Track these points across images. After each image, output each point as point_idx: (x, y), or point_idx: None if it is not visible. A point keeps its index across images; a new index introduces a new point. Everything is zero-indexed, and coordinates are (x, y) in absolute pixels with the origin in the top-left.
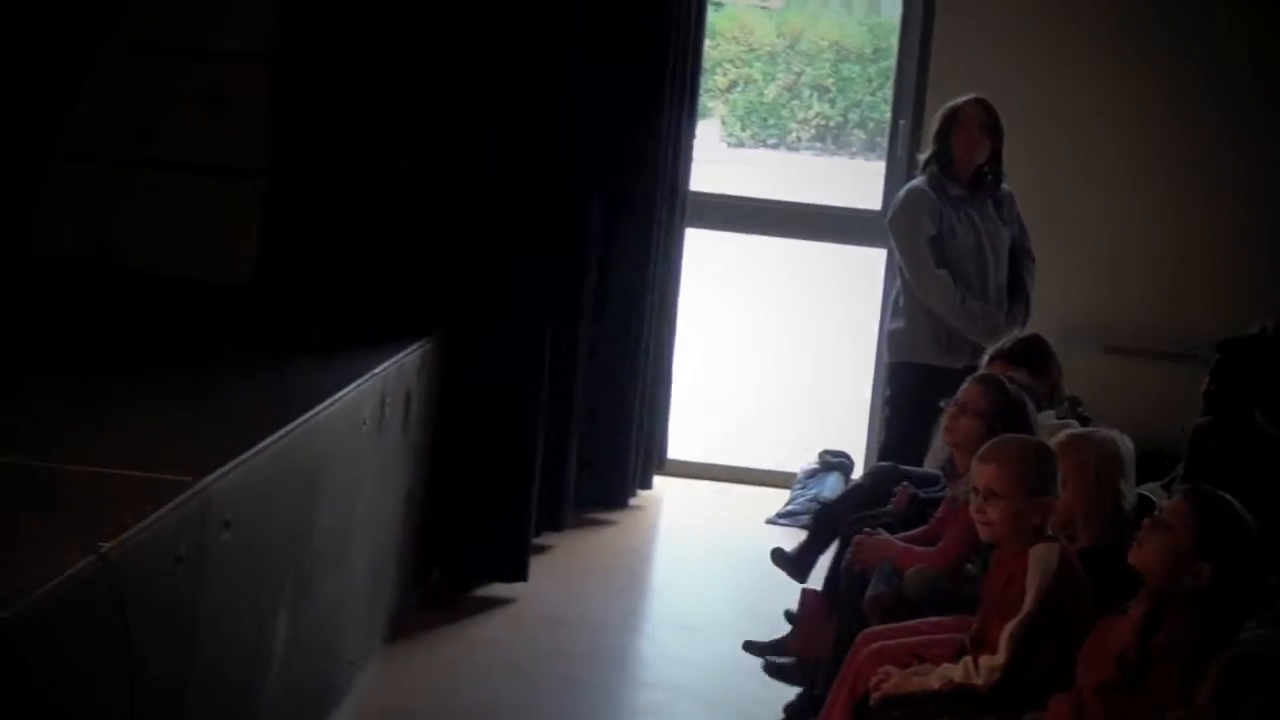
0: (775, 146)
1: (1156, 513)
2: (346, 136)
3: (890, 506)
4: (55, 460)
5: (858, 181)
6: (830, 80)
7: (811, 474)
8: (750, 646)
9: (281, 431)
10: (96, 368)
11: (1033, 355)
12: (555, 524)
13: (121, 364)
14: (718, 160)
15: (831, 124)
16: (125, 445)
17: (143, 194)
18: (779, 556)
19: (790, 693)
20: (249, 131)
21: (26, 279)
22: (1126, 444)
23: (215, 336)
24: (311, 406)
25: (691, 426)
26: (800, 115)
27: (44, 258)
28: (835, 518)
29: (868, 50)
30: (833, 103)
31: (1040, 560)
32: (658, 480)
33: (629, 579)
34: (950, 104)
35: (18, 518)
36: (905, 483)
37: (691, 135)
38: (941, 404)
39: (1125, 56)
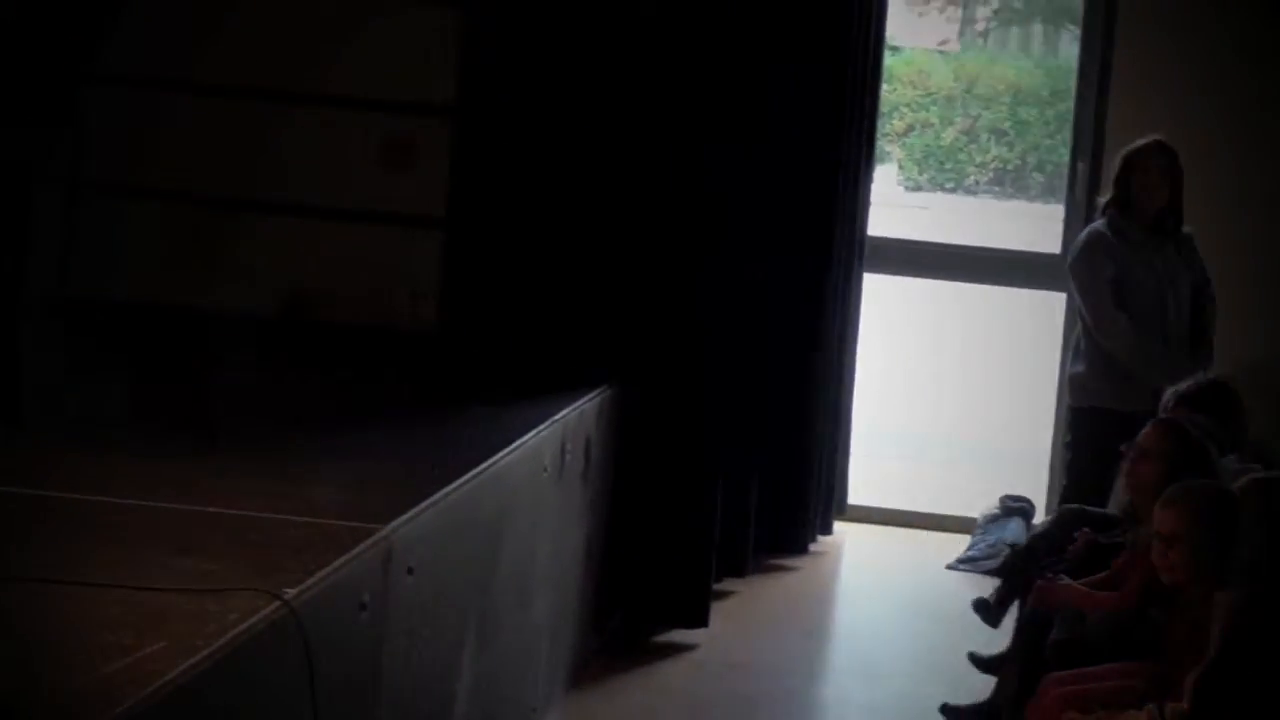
0: (953, 190)
1: None
2: (526, 186)
3: (1069, 552)
4: (242, 508)
5: (1037, 225)
6: (1008, 124)
7: (992, 519)
8: (950, 712)
9: (464, 479)
10: (282, 417)
11: (1215, 399)
12: (736, 569)
13: (306, 413)
14: (895, 205)
15: (1010, 167)
16: (309, 493)
17: (329, 245)
18: (980, 605)
19: None
20: (431, 182)
21: (214, 331)
22: None
23: (399, 385)
24: (493, 454)
25: (871, 471)
26: (978, 159)
27: (234, 310)
28: (1028, 562)
29: (1045, 93)
30: (1010, 146)
31: (1224, 606)
32: (838, 525)
33: (810, 624)
34: (1130, 147)
35: (205, 565)
36: (1086, 529)
37: (869, 180)
38: (1122, 448)
39: None
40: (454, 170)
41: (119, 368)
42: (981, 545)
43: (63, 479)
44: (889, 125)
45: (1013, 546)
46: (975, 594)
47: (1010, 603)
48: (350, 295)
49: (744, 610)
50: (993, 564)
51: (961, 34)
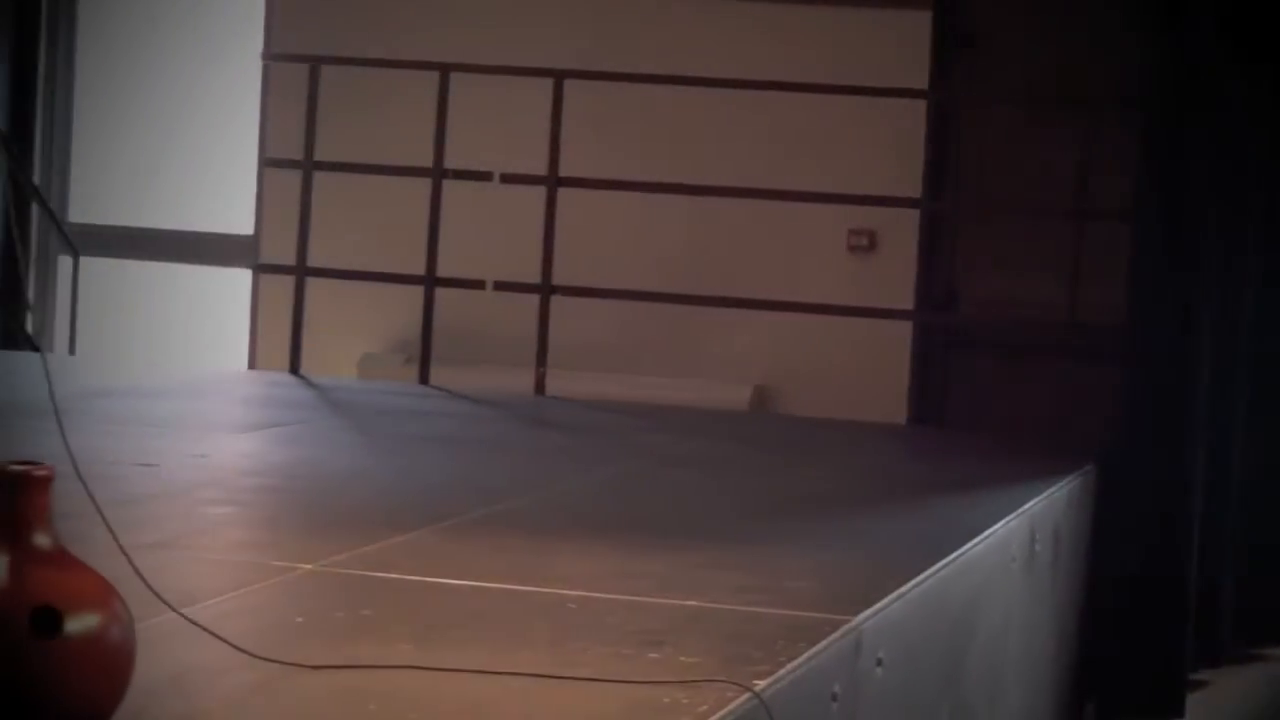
0: None
1: None
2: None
3: None
4: (712, 600)
5: None
6: None
7: None
8: None
9: (933, 569)
10: (751, 507)
11: None
12: (1212, 659)
13: (775, 503)
14: None
15: None
16: (779, 583)
17: (795, 337)
18: None
19: None
20: (896, 272)
21: (686, 422)
22: None
23: (867, 475)
24: (961, 544)
25: None
26: None
27: (706, 401)
28: None
29: None
30: None
31: None
32: None
33: None
34: None
35: (678, 658)
36: None
37: None
38: None
39: None
40: (921, 260)
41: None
42: None
43: (537, 572)
44: None
45: None
46: None
47: None
48: (818, 385)
49: (1219, 700)
50: None
51: None
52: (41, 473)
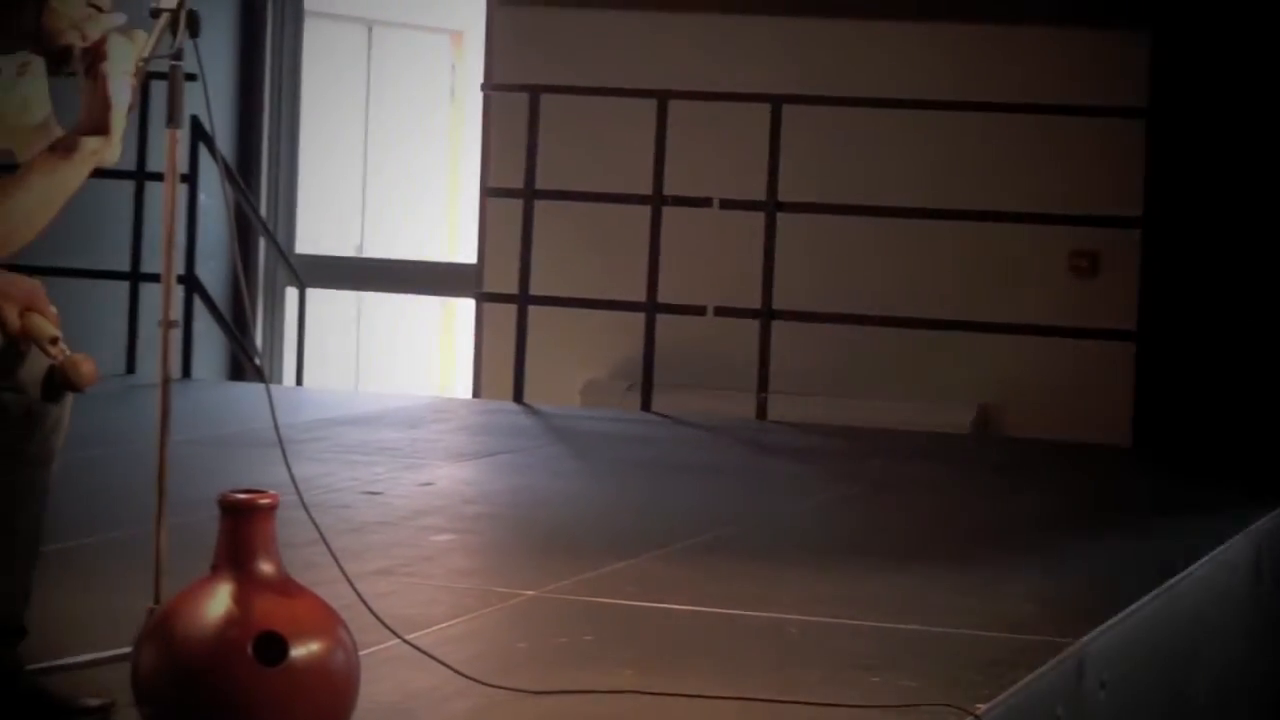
0: None
1: None
2: (1218, 295)
3: None
4: (933, 623)
5: None
6: None
7: None
8: None
9: (1156, 590)
10: (973, 530)
11: None
12: None
13: (996, 525)
14: None
15: None
16: (997, 606)
17: (1017, 358)
18: None
19: None
20: (1119, 293)
21: (907, 446)
22: None
23: (1090, 496)
24: (1185, 565)
25: None
26: None
27: (926, 425)
28: None
29: None
30: None
31: None
32: None
33: None
34: None
35: (899, 681)
36: None
37: None
38: None
39: None
40: (1143, 282)
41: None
42: None
43: (758, 597)
44: None
45: None
46: None
47: None
48: (1039, 407)
49: None
50: None
51: None
52: (266, 501)
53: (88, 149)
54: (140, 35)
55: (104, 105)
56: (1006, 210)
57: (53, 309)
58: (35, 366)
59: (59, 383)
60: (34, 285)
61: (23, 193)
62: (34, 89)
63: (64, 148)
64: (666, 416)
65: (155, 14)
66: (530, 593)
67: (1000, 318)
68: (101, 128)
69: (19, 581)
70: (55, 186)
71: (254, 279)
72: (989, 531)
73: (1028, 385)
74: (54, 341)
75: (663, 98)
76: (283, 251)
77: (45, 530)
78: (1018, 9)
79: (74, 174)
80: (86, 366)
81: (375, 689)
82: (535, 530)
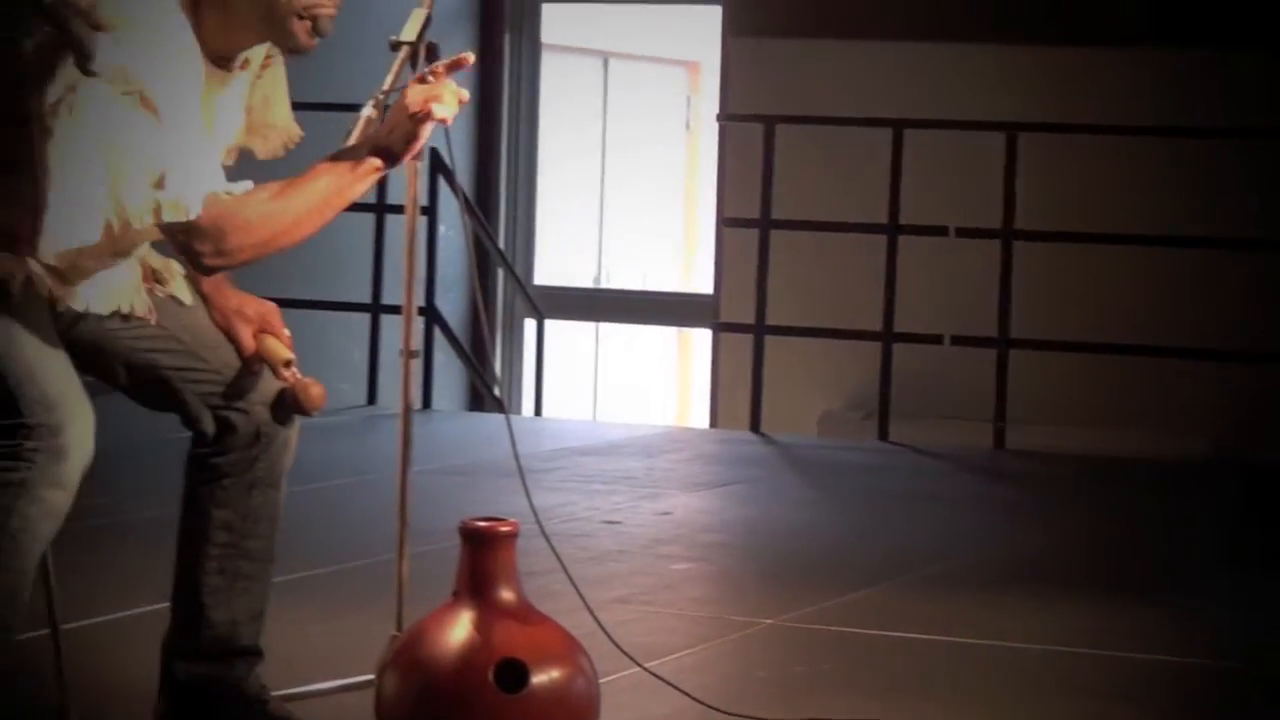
0: None
1: None
2: None
3: None
4: (1173, 653)
5: None
6: None
7: None
8: None
9: None
10: (1211, 560)
11: None
12: None
13: (1238, 556)
14: None
15: None
16: (1245, 639)
17: (1257, 387)
18: None
19: None
20: None
21: (1144, 475)
22: None
23: None
24: None
25: None
26: None
27: (1160, 455)
28: None
29: None
30: None
31: None
32: None
33: None
34: None
35: (1135, 712)
36: None
37: None
38: None
39: None
40: None
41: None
42: None
43: (998, 627)
44: None
45: None
46: None
47: None
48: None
49: None
50: None
51: None
52: (506, 529)
53: (371, 165)
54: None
55: (409, 135)
56: (1245, 237)
57: (286, 332)
58: (266, 388)
59: (289, 405)
60: (270, 308)
61: (299, 197)
62: (275, 86)
63: (353, 160)
64: (903, 446)
65: (395, 47)
66: (768, 621)
67: (1239, 345)
68: (394, 152)
69: (253, 603)
70: (335, 195)
71: (493, 310)
72: (1232, 562)
73: (1268, 413)
74: (286, 364)
75: (898, 126)
76: (521, 283)
77: (277, 553)
78: (1245, 35)
79: (354, 188)
80: (316, 390)
81: (614, 716)
82: (773, 559)
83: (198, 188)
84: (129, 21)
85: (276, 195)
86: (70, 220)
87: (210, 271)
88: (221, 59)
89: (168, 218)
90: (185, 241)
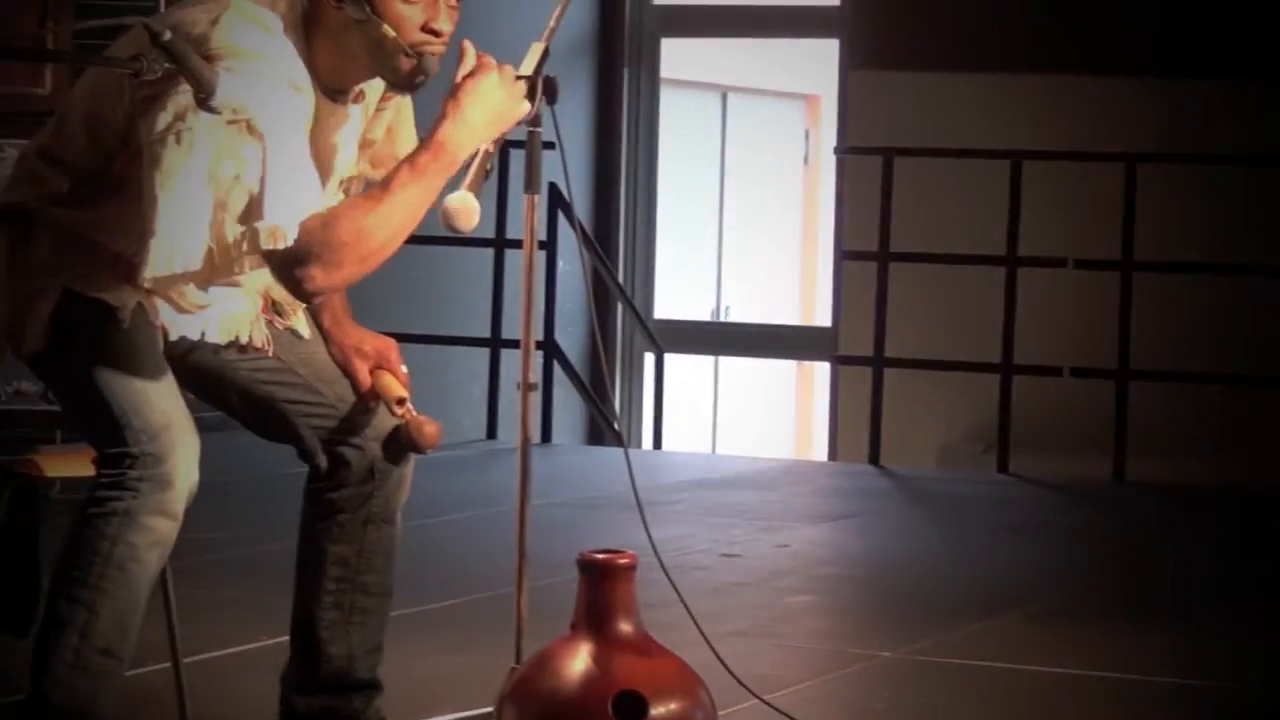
0: None
1: None
2: None
3: None
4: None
5: None
6: None
7: None
8: None
9: None
10: None
11: None
12: None
13: None
14: None
15: None
16: None
17: None
18: None
19: None
20: None
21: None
22: None
23: None
24: None
25: None
26: None
27: None
28: None
29: None
30: None
31: None
32: None
33: None
34: None
35: None
36: None
37: None
38: None
39: None
40: None
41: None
42: None
43: (1120, 658)
44: None
45: None
46: None
47: None
48: None
49: None
50: None
51: None
52: (625, 560)
53: (439, 140)
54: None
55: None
56: None
57: (404, 369)
58: (381, 425)
59: (403, 442)
60: (388, 344)
61: (389, 208)
62: (400, 119)
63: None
64: (1022, 478)
65: None
66: (886, 654)
67: None
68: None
69: (370, 636)
70: (421, 199)
71: (612, 344)
72: None
73: None
74: (401, 401)
75: (1016, 158)
76: (640, 317)
77: (397, 586)
78: None
79: (438, 172)
80: (430, 428)
81: None
82: (891, 591)
83: (296, 216)
84: (241, 52)
85: (366, 210)
86: (174, 247)
87: (311, 297)
88: (335, 91)
89: (265, 245)
90: (284, 268)
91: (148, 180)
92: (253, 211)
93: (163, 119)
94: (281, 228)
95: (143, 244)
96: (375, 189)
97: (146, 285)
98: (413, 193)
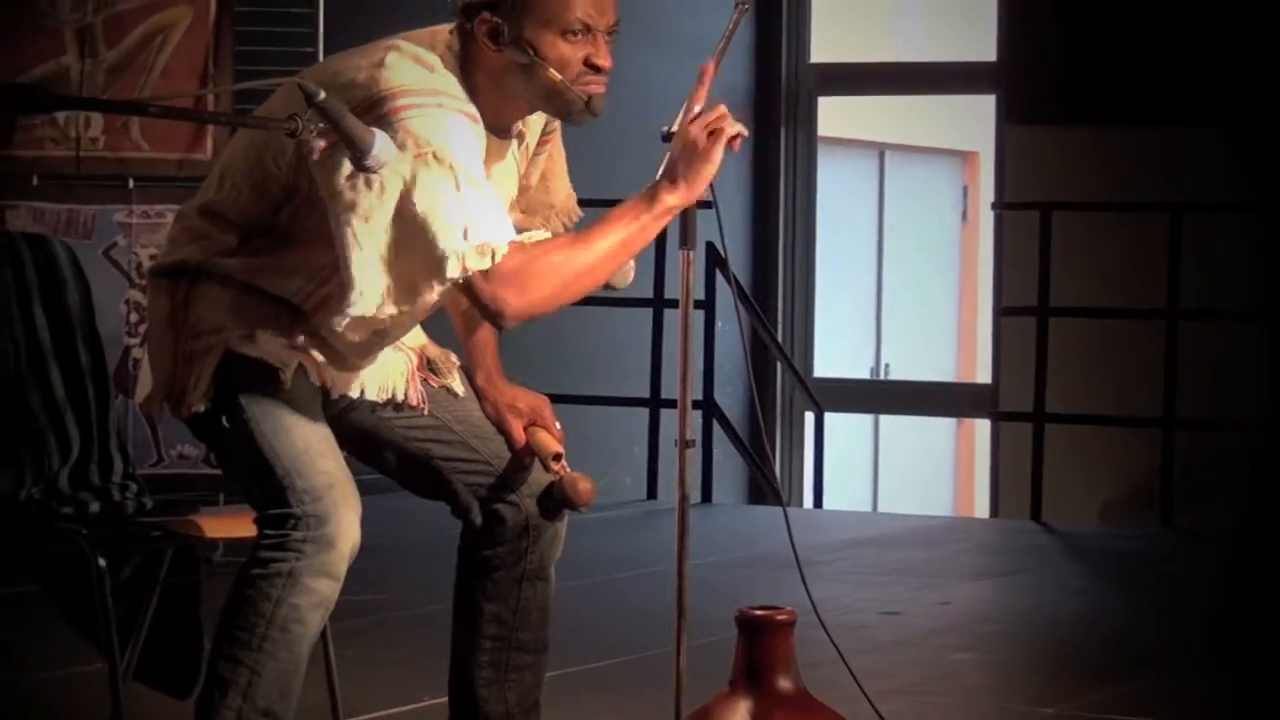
0: None
1: None
2: None
3: None
4: None
5: None
6: None
7: None
8: None
9: None
10: None
11: None
12: None
13: None
14: None
15: None
16: None
17: None
18: None
19: None
20: None
21: None
22: None
23: None
24: None
25: None
26: None
27: None
28: None
29: None
30: None
31: None
32: None
33: None
34: None
35: None
36: None
37: None
38: None
39: None
40: None
41: None
42: None
43: None
44: None
45: None
46: None
47: None
48: None
49: None
50: None
51: None
52: (783, 617)
53: (665, 205)
54: None
55: (704, 158)
56: None
57: (558, 427)
58: (536, 481)
59: (557, 499)
60: (542, 401)
61: (598, 242)
62: (554, 168)
63: (647, 200)
64: (1187, 533)
65: (667, 138)
66: (1048, 710)
67: None
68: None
69: (527, 694)
70: (632, 237)
71: (772, 403)
72: None
73: None
74: (556, 458)
75: (1175, 210)
76: (799, 375)
77: (556, 645)
78: None
79: (649, 230)
80: (584, 485)
81: None
82: (1053, 648)
83: (499, 235)
84: (416, 88)
85: (575, 241)
86: (372, 286)
87: (509, 322)
88: (497, 129)
89: (473, 266)
90: (488, 290)
91: (341, 225)
92: (459, 234)
93: (347, 165)
94: (489, 244)
95: (325, 288)
96: (590, 228)
97: (343, 328)
98: (622, 237)
